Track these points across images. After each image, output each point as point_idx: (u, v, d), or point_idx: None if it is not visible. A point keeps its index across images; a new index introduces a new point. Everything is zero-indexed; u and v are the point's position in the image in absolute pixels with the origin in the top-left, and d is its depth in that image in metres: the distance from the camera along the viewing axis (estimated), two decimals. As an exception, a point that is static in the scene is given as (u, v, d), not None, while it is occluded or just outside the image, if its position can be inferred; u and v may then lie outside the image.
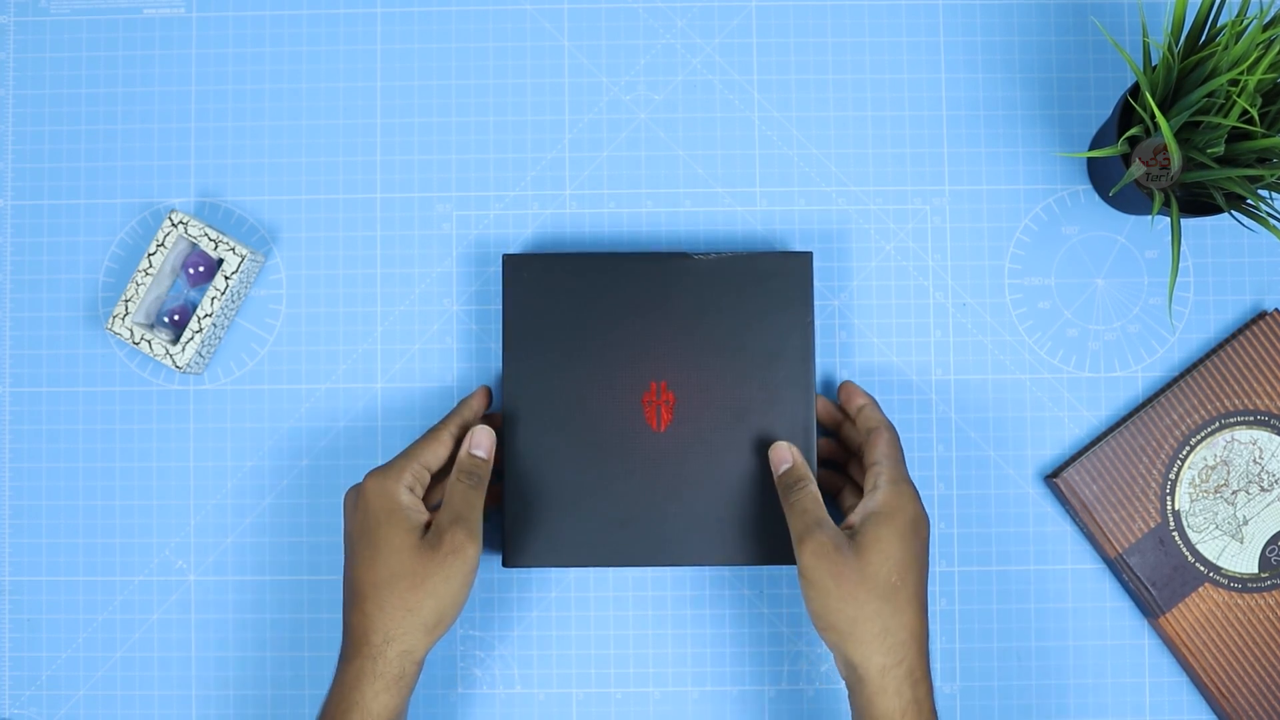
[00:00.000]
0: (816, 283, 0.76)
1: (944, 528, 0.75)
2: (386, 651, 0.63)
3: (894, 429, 0.70)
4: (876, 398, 0.76)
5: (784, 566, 0.75)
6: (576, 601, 0.75)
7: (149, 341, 0.74)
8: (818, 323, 0.76)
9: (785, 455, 0.69)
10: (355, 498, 0.67)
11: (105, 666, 0.75)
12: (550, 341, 0.72)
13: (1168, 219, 0.76)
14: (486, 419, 0.73)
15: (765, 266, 0.72)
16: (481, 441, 0.68)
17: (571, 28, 0.77)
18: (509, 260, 0.72)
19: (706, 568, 0.75)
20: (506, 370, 0.72)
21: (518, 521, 0.71)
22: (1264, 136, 0.65)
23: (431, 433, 0.69)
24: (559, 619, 0.75)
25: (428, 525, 0.66)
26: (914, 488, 0.66)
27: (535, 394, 0.72)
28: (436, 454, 0.68)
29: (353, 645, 0.64)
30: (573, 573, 0.75)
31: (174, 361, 0.73)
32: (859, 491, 0.72)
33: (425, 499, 0.69)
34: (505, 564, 0.71)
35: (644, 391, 0.71)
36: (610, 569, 0.75)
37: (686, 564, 0.72)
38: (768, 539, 0.71)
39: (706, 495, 0.71)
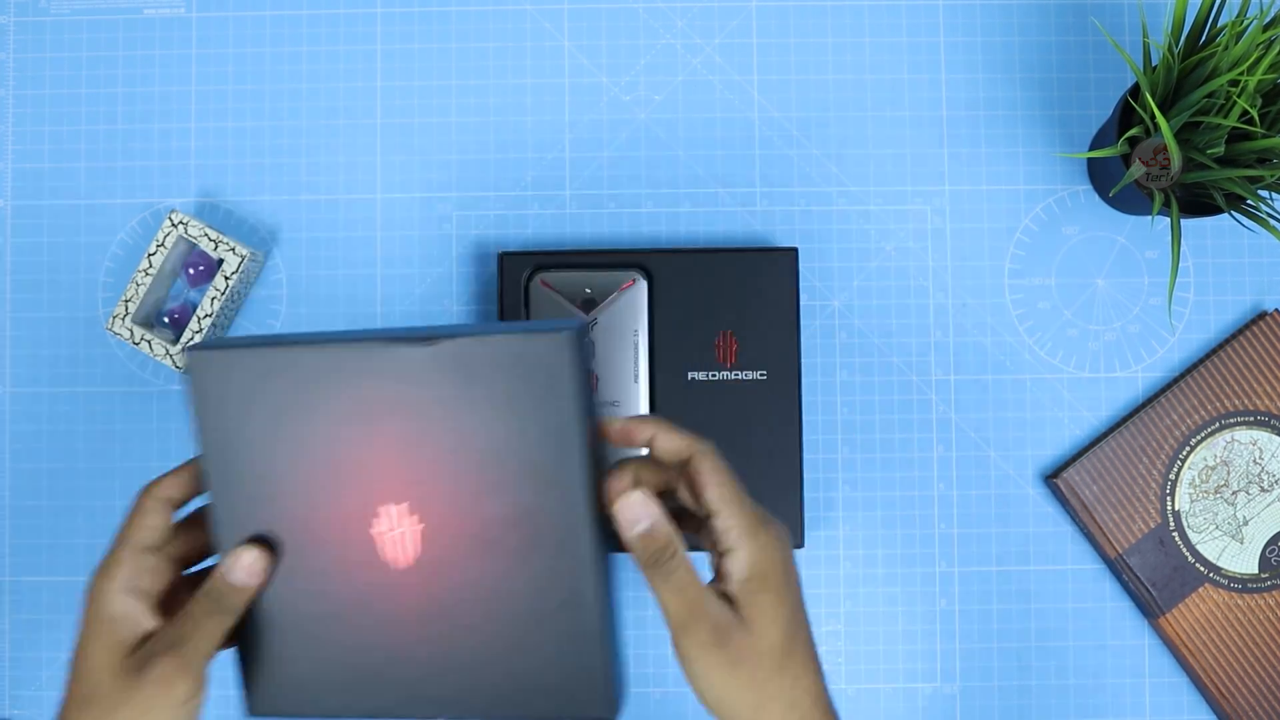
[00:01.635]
0: (819, 282, 0.76)
1: (944, 528, 0.75)
2: None
3: (709, 447, 0.54)
4: (876, 398, 0.76)
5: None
6: (576, 601, 0.75)
7: (149, 341, 0.74)
8: (818, 323, 0.76)
9: (639, 513, 0.52)
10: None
11: (105, 666, 0.75)
12: (255, 462, 0.54)
13: (1168, 219, 0.76)
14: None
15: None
16: (241, 562, 0.53)
17: (571, 28, 0.77)
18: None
19: (708, 569, 0.75)
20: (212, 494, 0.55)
21: (253, 656, 0.55)
22: (1264, 137, 0.65)
23: (140, 496, 0.54)
24: (559, 619, 0.75)
25: (138, 635, 0.52)
26: (771, 524, 0.53)
27: (259, 515, 0.54)
28: (148, 528, 0.53)
29: None
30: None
31: (174, 361, 0.73)
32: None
33: (170, 590, 0.55)
34: (248, 713, 0.56)
35: (372, 520, 0.53)
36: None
37: (456, 717, 0.56)
38: (553, 689, 0.54)
39: (473, 638, 0.54)
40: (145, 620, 0.52)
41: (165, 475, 0.54)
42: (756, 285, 0.73)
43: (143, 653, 0.52)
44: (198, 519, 0.55)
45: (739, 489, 0.54)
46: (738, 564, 0.53)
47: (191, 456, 0.64)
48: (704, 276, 0.73)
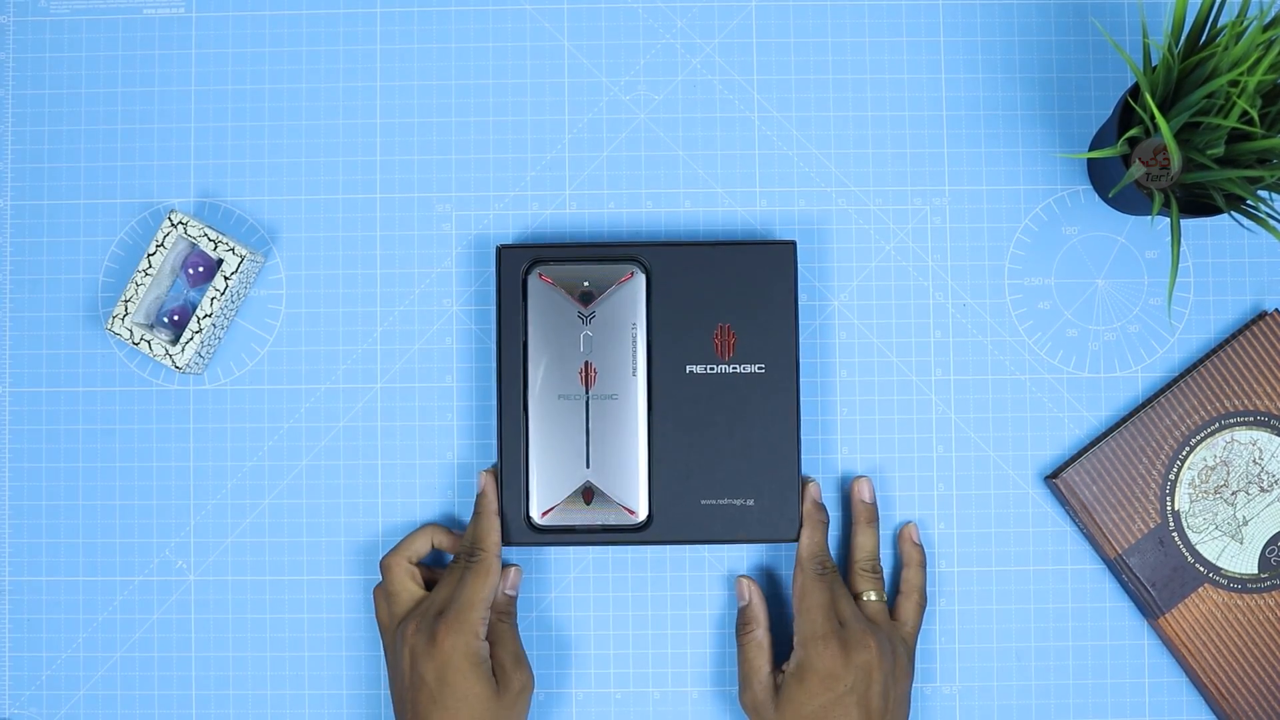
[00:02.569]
0: (818, 282, 0.76)
1: (944, 528, 0.75)
2: None
3: (802, 570, 0.71)
4: (876, 398, 0.76)
5: (782, 568, 0.75)
6: (576, 602, 0.75)
7: (149, 342, 0.74)
8: (818, 323, 0.76)
9: (743, 591, 0.74)
10: (430, 649, 0.68)
11: (105, 666, 0.75)
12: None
13: (1168, 219, 0.76)
14: None
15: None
16: (516, 582, 0.74)
17: (571, 28, 0.77)
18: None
19: (707, 568, 0.75)
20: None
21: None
22: (1264, 137, 0.65)
23: (481, 566, 0.70)
24: (559, 619, 0.75)
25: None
26: (836, 640, 0.68)
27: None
28: (493, 586, 0.70)
29: None
30: (573, 573, 0.75)
31: (174, 361, 0.73)
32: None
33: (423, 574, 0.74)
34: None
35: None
36: (610, 571, 0.75)
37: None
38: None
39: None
40: (489, 657, 0.69)
41: (400, 547, 0.73)
42: (755, 278, 0.73)
43: (500, 675, 0.69)
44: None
45: (821, 601, 0.70)
46: (792, 659, 0.69)
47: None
48: (702, 269, 0.73)
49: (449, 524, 0.76)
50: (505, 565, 0.74)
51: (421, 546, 0.73)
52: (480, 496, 0.73)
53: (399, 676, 0.69)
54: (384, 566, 0.72)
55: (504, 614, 0.72)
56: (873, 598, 0.72)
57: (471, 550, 0.70)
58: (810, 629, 0.69)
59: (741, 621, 0.73)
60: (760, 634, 0.72)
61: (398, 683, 0.69)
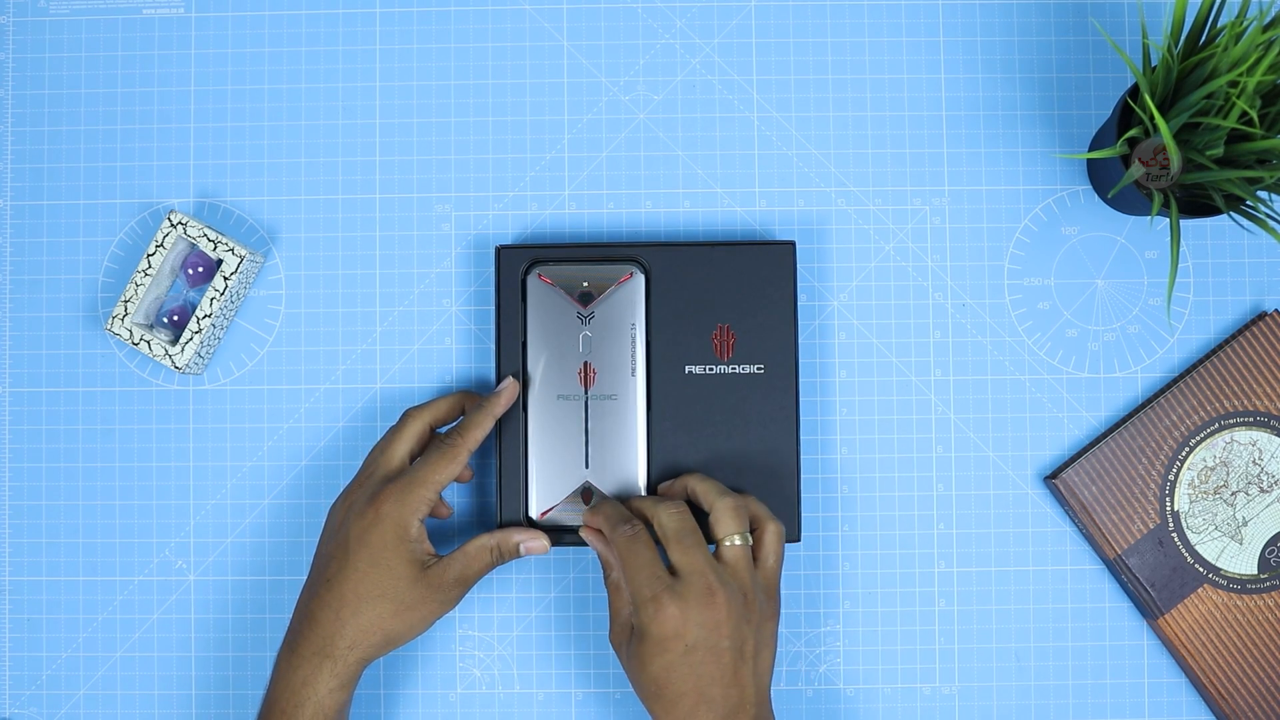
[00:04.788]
0: (818, 283, 0.76)
1: (943, 528, 0.75)
2: (348, 657, 0.66)
3: (662, 521, 0.67)
4: (876, 398, 0.76)
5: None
6: (576, 601, 0.75)
7: (148, 342, 0.74)
8: (817, 323, 0.76)
9: (590, 540, 0.71)
10: (365, 508, 0.67)
11: (105, 666, 0.76)
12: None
13: (1167, 220, 0.76)
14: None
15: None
16: (535, 548, 0.71)
17: (571, 28, 0.77)
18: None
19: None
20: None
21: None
22: (1263, 138, 0.65)
23: (450, 451, 0.69)
24: (559, 619, 0.75)
25: (427, 554, 0.68)
26: (666, 598, 0.64)
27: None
28: (453, 475, 0.69)
29: (313, 643, 0.66)
30: (573, 573, 0.76)
31: (173, 362, 0.74)
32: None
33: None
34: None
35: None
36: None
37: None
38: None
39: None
40: (425, 547, 0.68)
41: (429, 405, 0.71)
42: (754, 278, 0.73)
43: (434, 573, 0.67)
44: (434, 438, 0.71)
45: (640, 562, 0.66)
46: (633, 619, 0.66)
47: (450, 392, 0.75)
48: (701, 269, 0.73)
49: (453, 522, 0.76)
50: (535, 529, 0.72)
51: (450, 412, 0.72)
52: (494, 395, 0.71)
53: (327, 531, 0.69)
54: (404, 415, 0.71)
55: (501, 553, 0.70)
56: (736, 541, 0.67)
57: (453, 435, 0.69)
58: (637, 594, 0.65)
59: (601, 565, 0.70)
60: (616, 575, 0.68)
61: (322, 537, 0.70)
